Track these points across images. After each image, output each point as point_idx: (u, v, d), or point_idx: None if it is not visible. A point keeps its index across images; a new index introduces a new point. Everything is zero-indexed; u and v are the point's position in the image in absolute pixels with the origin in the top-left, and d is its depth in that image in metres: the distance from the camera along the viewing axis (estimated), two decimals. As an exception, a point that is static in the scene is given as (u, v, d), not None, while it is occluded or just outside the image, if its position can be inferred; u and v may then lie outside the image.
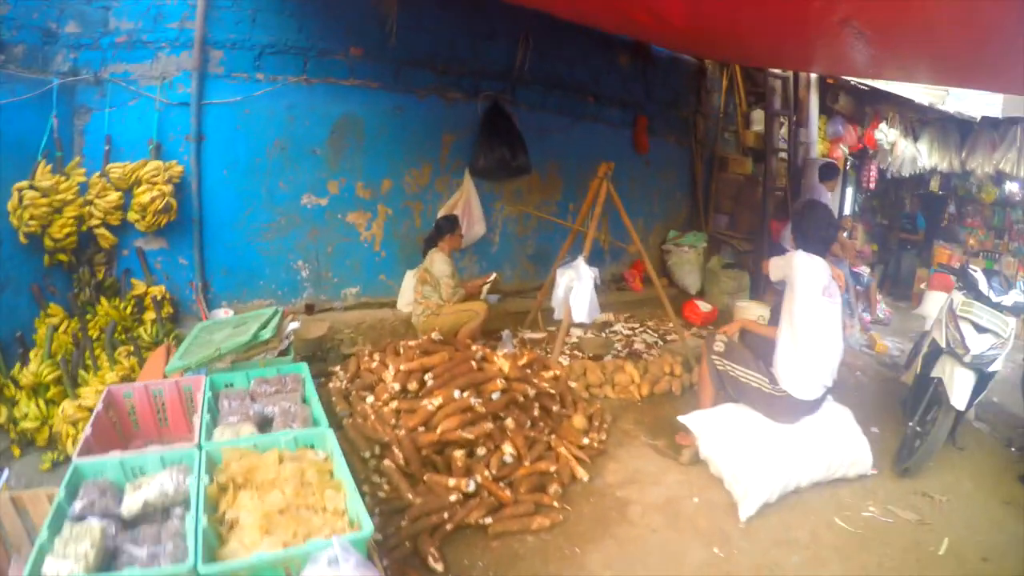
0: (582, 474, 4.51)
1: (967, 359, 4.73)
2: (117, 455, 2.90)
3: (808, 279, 4.54)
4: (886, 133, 10.92)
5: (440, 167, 7.38)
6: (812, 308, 4.53)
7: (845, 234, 9.56)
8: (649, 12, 5.28)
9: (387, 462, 4.06)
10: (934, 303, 8.64)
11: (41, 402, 4.73)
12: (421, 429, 4.26)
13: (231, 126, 6.10)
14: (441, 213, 7.23)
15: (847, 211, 12.86)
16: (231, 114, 6.08)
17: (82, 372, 4.88)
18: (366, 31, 6.58)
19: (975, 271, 5.24)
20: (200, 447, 2.97)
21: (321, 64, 6.42)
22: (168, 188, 5.54)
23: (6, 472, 4.19)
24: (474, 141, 7.47)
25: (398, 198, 7.14)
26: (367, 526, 2.44)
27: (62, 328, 5.18)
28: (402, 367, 4.67)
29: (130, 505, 2.64)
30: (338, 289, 6.94)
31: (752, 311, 7.43)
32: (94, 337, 5.22)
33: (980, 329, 4.80)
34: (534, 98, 7.99)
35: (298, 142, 6.44)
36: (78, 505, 2.58)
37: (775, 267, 4.84)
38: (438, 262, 6.31)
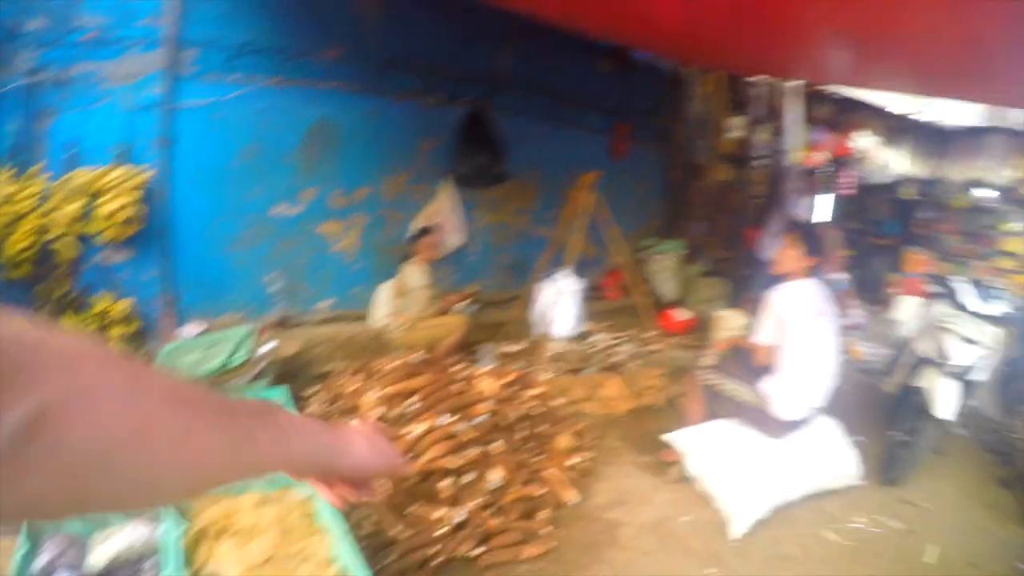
0: (571, 497, 4.38)
1: (951, 369, 4.77)
2: None
3: (795, 309, 4.50)
4: (864, 141, 10.96)
5: (418, 174, 7.22)
6: (805, 335, 4.48)
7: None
8: (641, 17, 5.18)
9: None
10: (905, 308, 8.72)
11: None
12: (405, 458, 4.06)
13: (202, 130, 5.85)
14: (419, 222, 7.09)
15: (824, 217, 12.92)
16: (202, 117, 5.83)
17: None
18: (345, 32, 6.40)
19: (958, 281, 5.34)
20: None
21: (297, 65, 6.21)
22: (135, 196, 5.27)
23: None
24: (453, 147, 7.32)
25: (374, 207, 6.97)
26: (361, 576, 2.26)
27: None
28: (384, 391, 4.50)
29: (96, 560, 2.48)
30: (311, 302, 6.76)
31: (731, 319, 7.33)
32: None
33: (964, 340, 4.84)
34: (513, 104, 7.84)
35: (271, 148, 6.23)
36: (43, 559, 2.41)
37: (766, 317, 4.67)
38: (413, 273, 6.15)
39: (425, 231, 6.41)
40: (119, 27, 5.41)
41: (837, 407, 4.92)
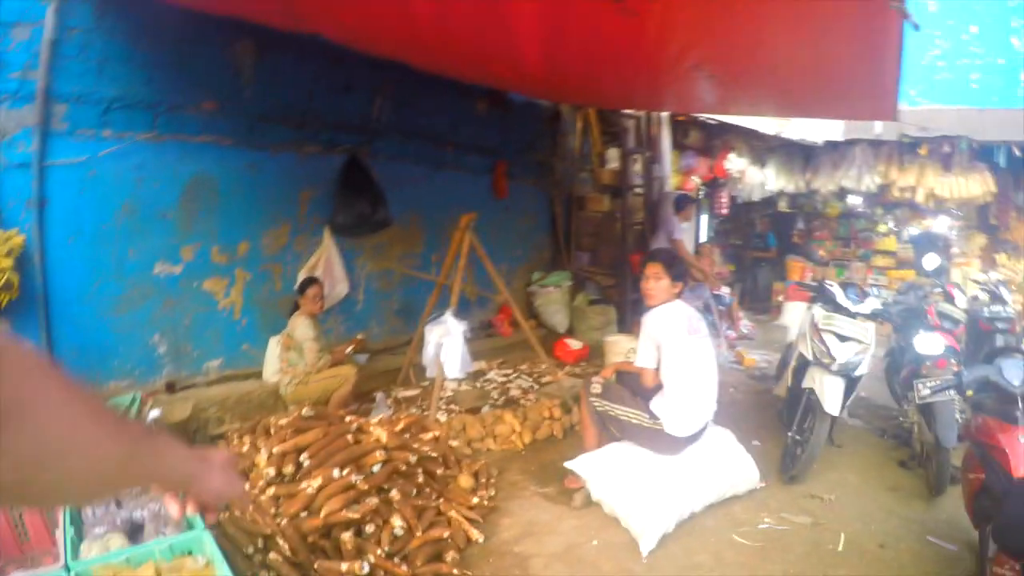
0: (476, 536, 4.41)
1: (834, 368, 5.05)
2: None
3: (667, 330, 4.71)
4: (735, 162, 11.49)
5: (299, 225, 7.16)
6: (681, 353, 4.69)
7: (705, 259, 9.97)
8: (507, 63, 5.33)
9: (273, 555, 3.80)
10: (792, 313, 9.20)
11: None
12: (304, 515, 4.05)
13: (76, 189, 5.62)
14: (301, 274, 7.01)
15: (703, 238, 13.39)
16: (76, 176, 5.61)
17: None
18: (221, 84, 6.33)
19: (831, 285, 5.67)
20: (68, 568, 2.72)
21: (172, 119, 6.09)
22: (7, 262, 5.01)
23: None
24: (332, 196, 7.29)
25: (256, 261, 6.85)
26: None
27: None
28: (275, 449, 4.42)
29: None
30: (200, 363, 6.57)
31: (622, 344, 7.55)
32: None
33: (842, 338, 5.16)
34: (392, 149, 7.88)
35: (148, 205, 6.05)
36: None
37: (644, 341, 4.86)
38: (300, 327, 6.09)
39: (309, 283, 6.35)
40: None
41: (733, 415, 5.20)
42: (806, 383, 5.27)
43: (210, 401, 6.22)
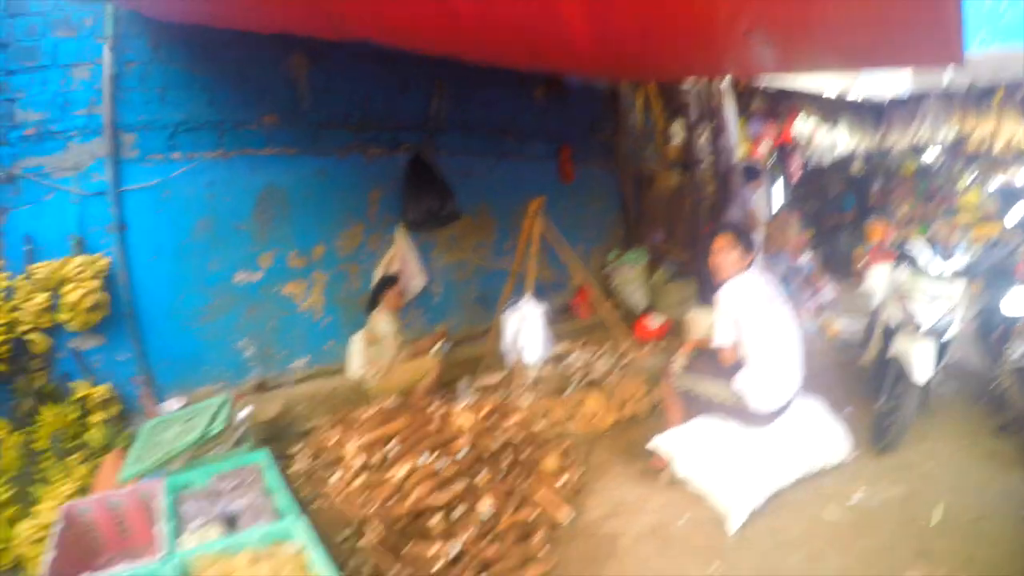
0: (564, 516, 4.39)
1: (922, 332, 4.81)
2: None
3: (743, 303, 4.56)
4: (803, 125, 11.16)
5: (371, 224, 7.27)
6: (761, 324, 4.53)
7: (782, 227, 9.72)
8: (556, 45, 5.28)
9: (364, 541, 3.90)
10: (875, 278, 8.77)
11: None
12: (393, 501, 4.12)
13: (153, 210, 5.90)
14: (378, 271, 7.15)
15: (777, 206, 13.07)
16: (151, 198, 5.89)
17: (33, 489, 4.69)
18: (279, 98, 6.50)
19: (914, 246, 5.39)
20: (167, 559, 2.82)
21: (237, 136, 6.30)
22: (96, 283, 5.34)
23: None
24: (401, 194, 7.36)
25: (333, 262, 7.00)
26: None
27: (8, 444, 4.95)
28: (362, 440, 4.53)
29: None
30: (286, 363, 6.76)
31: (704, 318, 7.37)
32: (42, 449, 5.02)
33: (930, 300, 4.90)
34: (455, 143, 7.93)
35: (223, 219, 6.28)
36: None
37: (720, 318, 4.70)
38: (381, 322, 6.19)
39: (388, 280, 6.47)
40: (58, 120, 5.51)
41: (819, 385, 4.96)
42: (893, 351, 5.03)
43: (299, 398, 6.39)
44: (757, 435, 4.57)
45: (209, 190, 6.19)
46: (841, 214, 13.10)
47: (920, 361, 4.76)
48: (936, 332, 4.84)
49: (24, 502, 4.55)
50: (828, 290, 10.05)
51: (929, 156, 12.44)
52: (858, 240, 12.27)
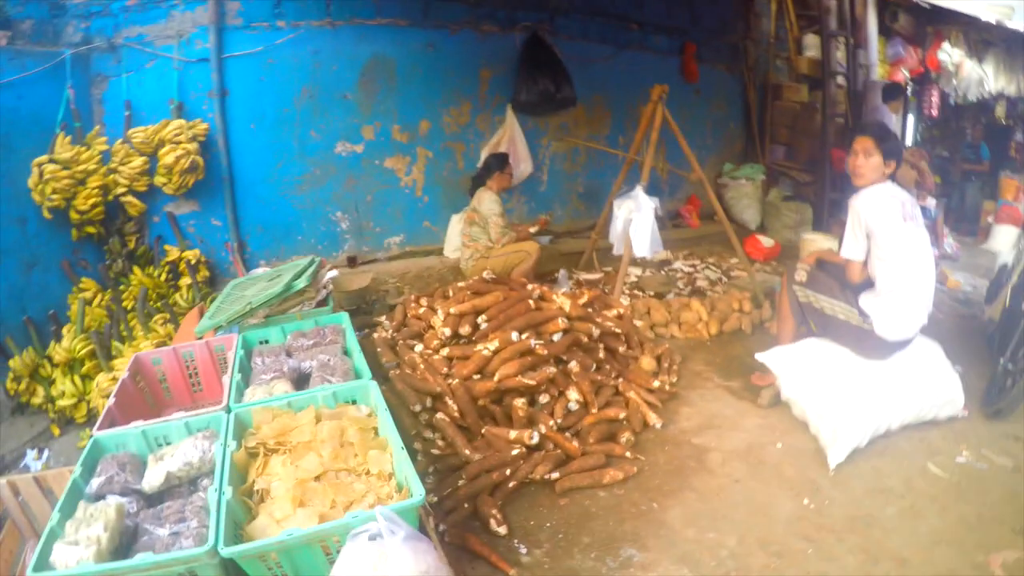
0: (654, 420, 4.18)
1: None
2: (139, 425, 2.65)
3: (880, 215, 4.07)
4: (950, 54, 10.34)
5: (480, 104, 7.05)
6: (897, 242, 4.06)
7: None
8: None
9: (440, 415, 3.75)
10: (1004, 237, 8.04)
11: (76, 378, 4.57)
12: (476, 377, 3.95)
13: (255, 78, 5.84)
14: (484, 152, 6.96)
15: (909, 142, 12.24)
16: (254, 65, 5.82)
17: (116, 344, 4.73)
18: (391, -36, 6.24)
19: None
20: (229, 409, 2.69)
21: (345, 5, 6.12)
22: (193, 146, 5.30)
23: (46, 453, 4.06)
24: (514, 75, 7.12)
25: (437, 139, 6.84)
26: (417, 491, 2.11)
27: (96, 302, 5.05)
28: (452, 310, 4.34)
29: (151, 479, 2.39)
30: (381, 239, 6.70)
31: (819, 243, 6.94)
32: (128, 308, 5.08)
33: None
34: (574, 27, 7.59)
35: (327, 88, 6.17)
36: (95, 483, 2.34)
37: (852, 228, 4.21)
38: (487, 201, 5.96)
39: (500, 158, 6.24)
40: None
41: (934, 336, 4.53)
42: None
43: (390, 274, 6.33)
44: (872, 368, 4.19)
45: (314, 58, 6.07)
46: (975, 163, 12.02)
47: None
48: None
49: (107, 358, 4.58)
50: (949, 241, 9.36)
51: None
52: (989, 194, 11.31)
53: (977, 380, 4.80)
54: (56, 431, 4.43)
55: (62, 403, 4.45)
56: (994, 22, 9.40)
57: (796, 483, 3.73)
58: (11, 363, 4.51)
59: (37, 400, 4.51)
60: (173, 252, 5.50)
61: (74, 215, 4.96)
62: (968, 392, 4.43)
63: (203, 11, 5.55)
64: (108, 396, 4.06)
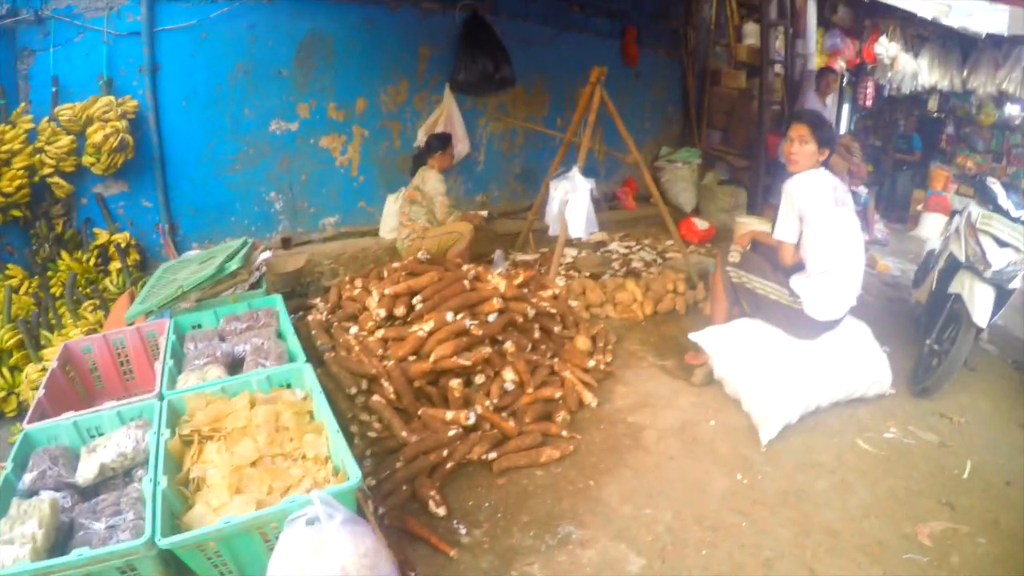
0: (590, 399, 4.24)
1: (988, 274, 4.46)
2: (70, 416, 2.62)
3: (812, 199, 4.22)
4: (886, 47, 10.52)
5: (418, 83, 6.99)
6: (828, 226, 4.22)
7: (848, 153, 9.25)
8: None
9: (376, 397, 3.74)
10: (932, 225, 8.31)
11: (5, 370, 4.42)
12: (412, 358, 3.96)
13: (187, 53, 5.68)
14: (421, 131, 6.93)
15: (843, 130, 12.49)
16: (187, 40, 5.65)
17: (45, 333, 4.60)
18: (331, -62, 6.15)
19: (994, 183, 4.96)
20: (161, 397, 2.67)
21: (282, -22, 6.00)
22: (122, 124, 5.12)
23: None
24: (453, 54, 7.07)
25: (374, 118, 6.76)
26: (353, 474, 2.14)
27: (22, 289, 4.90)
28: (387, 291, 4.31)
29: (85, 472, 2.39)
30: (316, 220, 6.63)
31: (752, 226, 7.05)
32: (57, 295, 4.93)
33: (1000, 243, 4.51)
34: (516, 7, 7.55)
35: (262, 64, 6.03)
36: (27, 478, 2.34)
37: (785, 212, 4.36)
38: (431, 180, 5.96)
39: (443, 138, 6.23)
40: None
41: (863, 318, 4.70)
42: (953, 287, 4.70)
43: (325, 256, 6.27)
44: (802, 347, 4.35)
45: (249, 33, 5.93)
46: (907, 153, 12.30)
47: (981, 303, 4.46)
48: (1001, 278, 4.47)
49: (36, 348, 4.46)
50: (880, 228, 9.63)
51: (1012, 110, 11.48)
52: (919, 183, 11.63)
53: (905, 360, 5.03)
54: (-16, 425, 4.30)
55: (-10, 397, 4.33)
56: (930, 18, 9.62)
57: (730, 459, 3.86)
58: (-67, 355, 4.36)
59: (-38, 393, 4.38)
60: (102, 235, 5.34)
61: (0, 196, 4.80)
62: (896, 371, 4.65)
63: (135, -19, 5.40)
64: (38, 388, 4.01)
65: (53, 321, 4.67)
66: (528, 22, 7.68)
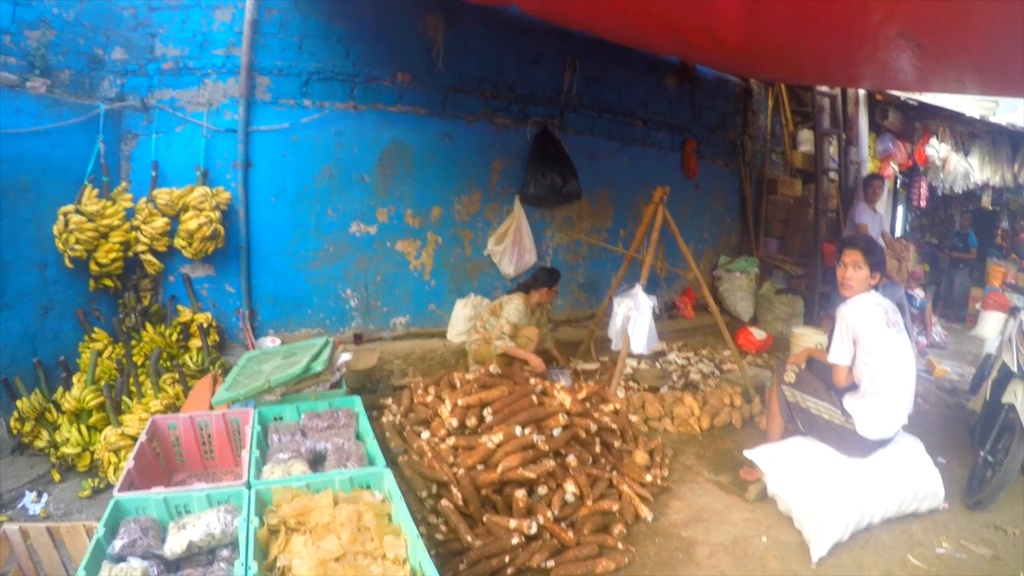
0: (646, 513, 4.26)
1: None
2: (161, 491, 2.78)
3: (865, 323, 4.30)
4: (937, 148, 10.66)
5: (490, 194, 7.26)
6: (880, 348, 4.27)
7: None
8: (703, 32, 5.11)
9: (445, 502, 3.84)
10: (991, 324, 8.18)
11: (83, 427, 4.65)
12: (480, 467, 4.07)
13: (279, 153, 6.06)
14: (491, 240, 7.18)
15: (898, 231, 12.49)
16: (278, 140, 6.04)
17: (125, 399, 4.83)
18: (413, 57, 6.53)
19: None
20: (249, 485, 2.83)
21: (368, 90, 6.37)
22: (215, 215, 5.50)
23: (45, 497, 4.14)
24: (524, 167, 7.35)
25: (448, 226, 7.03)
26: (432, 577, 2.23)
27: (106, 354, 5.15)
28: (460, 402, 4.47)
29: (173, 546, 2.52)
30: (387, 319, 6.82)
31: (809, 337, 7.09)
32: (139, 364, 5.18)
33: None
34: (583, 123, 7.87)
35: (346, 169, 6.38)
36: (118, 544, 2.46)
37: (839, 335, 4.45)
38: (515, 309, 6.01)
39: (551, 276, 6.29)
40: (196, 56, 5.75)
41: (919, 427, 4.69)
42: (1006, 398, 4.63)
43: (395, 354, 6.41)
44: (855, 465, 4.35)
45: (336, 139, 6.29)
46: (962, 251, 12.20)
47: None
48: None
49: (116, 412, 4.67)
50: (938, 329, 9.53)
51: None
52: (977, 281, 11.54)
53: (960, 470, 4.99)
54: (57, 477, 4.49)
55: (66, 450, 4.52)
56: (978, 117, 9.77)
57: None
58: (18, 403, 4.61)
59: (40, 443, 4.60)
60: (186, 313, 5.63)
61: (94, 267, 5.14)
62: (951, 483, 4.60)
63: (234, 83, 5.82)
64: (115, 450, 4.22)
65: (133, 389, 4.88)
66: (594, 137, 7.97)
